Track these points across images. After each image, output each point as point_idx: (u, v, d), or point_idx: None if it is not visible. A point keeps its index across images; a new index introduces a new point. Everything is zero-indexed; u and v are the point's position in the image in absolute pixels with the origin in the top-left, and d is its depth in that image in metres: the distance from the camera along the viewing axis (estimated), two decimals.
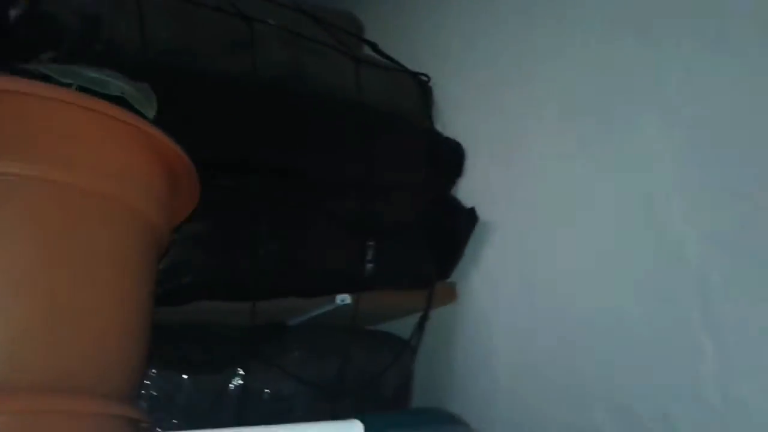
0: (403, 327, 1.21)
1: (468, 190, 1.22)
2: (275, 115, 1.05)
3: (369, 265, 1.07)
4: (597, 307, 0.94)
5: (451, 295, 1.19)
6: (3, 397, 0.53)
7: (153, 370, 0.94)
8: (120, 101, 0.60)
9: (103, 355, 0.58)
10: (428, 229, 1.17)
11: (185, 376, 0.96)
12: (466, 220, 1.16)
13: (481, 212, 1.16)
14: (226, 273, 0.96)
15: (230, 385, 0.98)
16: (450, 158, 1.23)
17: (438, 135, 1.26)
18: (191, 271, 0.93)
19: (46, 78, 0.58)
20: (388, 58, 1.41)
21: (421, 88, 1.30)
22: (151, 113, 0.65)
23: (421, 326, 1.17)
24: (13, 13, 1.19)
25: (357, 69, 1.19)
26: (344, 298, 1.05)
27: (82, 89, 0.58)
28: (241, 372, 0.99)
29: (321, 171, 1.07)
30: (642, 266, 0.88)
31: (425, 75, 1.32)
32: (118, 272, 0.61)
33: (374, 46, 1.46)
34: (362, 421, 1.05)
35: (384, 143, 1.16)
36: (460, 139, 1.24)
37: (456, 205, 1.20)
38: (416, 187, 1.19)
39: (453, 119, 1.28)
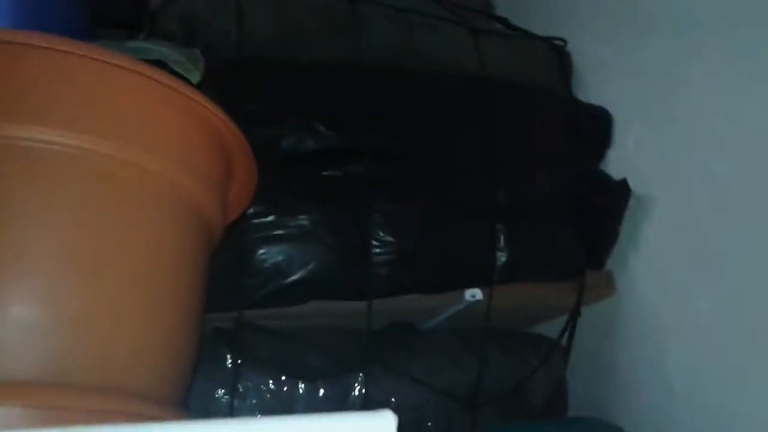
0: (554, 327, 1.05)
1: (619, 162, 1.03)
2: (383, 97, 0.96)
3: (500, 254, 0.92)
4: None
5: (607, 286, 1.00)
6: (53, 392, 0.49)
7: (269, 379, 0.88)
8: (160, 65, 0.54)
9: (155, 356, 0.52)
10: (574, 208, 1.00)
11: (302, 384, 0.88)
12: (618, 194, 0.97)
13: (635, 185, 0.97)
14: (337, 268, 0.87)
15: (351, 394, 0.89)
16: (595, 127, 1.05)
17: (579, 103, 1.09)
18: (299, 267, 0.86)
19: None
20: (520, 31, 1.27)
21: (556, 53, 1.14)
22: (196, 76, 0.58)
23: (572, 324, 1.00)
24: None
25: (476, 41, 1.07)
26: (474, 294, 0.92)
27: None
28: (363, 379, 0.90)
29: (438, 152, 0.96)
30: None
31: (561, 39, 1.16)
32: (174, 266, 0.54)
33: (504, 21, 1.32)
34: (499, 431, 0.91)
35: (513, 117, 1.02)
36: (606, 105, 1.06)
37: (605, 179, 1.02)
38: (557, 162, 1.02)
39: (596, 84, 1.10)
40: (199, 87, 0.57)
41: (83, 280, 0.52)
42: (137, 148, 0.50)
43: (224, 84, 0.89)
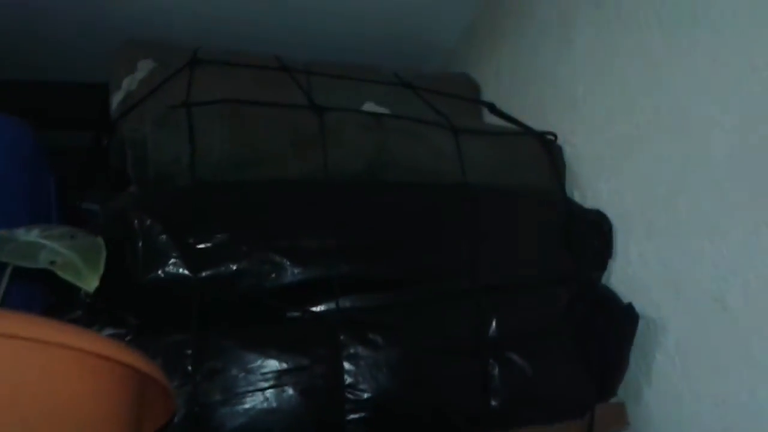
0: None
1: (623, 276, 0.92)
2: (354, 217, 0.86)
3: (493, 396, 0.81)
4: None
5: (619, 419, 0.88)
6: None
7: None
8: (48, 273, 0.44)
9: None
10: (576, 334, 0.89)
11: None
12: (625, 319, 0.86)
13: (643, 305, 0.86)
14: (309, 429, 0.76)
15: None
16: (593, 235, 0.95)
17: (574, 205, 0.99)
18: (270, 431, 0.75)
19: None
20: (507, 118, 1.18)
21: (547, 149, 1.04)
22: (92, 281, 0.48)
23: None
24: (104, 142, 1.16)
25: (458, 142, 0.98)
26: None
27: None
28: None
29: (417, 278, 0.86)
30: None
31: (551, 134, 1.07)
32: None
33: (491, 107, 1.24)
34: None
35: (500, 228, 0.92)
36: (604, 208, 0.96)
37: (610, 299, 0.91)
38: (552, 278, 0.92)
39: (593, 185, 1.00)
40: (98, 289, 0.47)
41: None
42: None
43: (174, 219, 0.80)
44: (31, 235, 0.49)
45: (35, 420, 0.39)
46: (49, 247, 0.47)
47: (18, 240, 0.47)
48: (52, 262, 0.46)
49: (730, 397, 0.73)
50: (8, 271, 0.45)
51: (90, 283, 0.48)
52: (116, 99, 1.10)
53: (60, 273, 0.46)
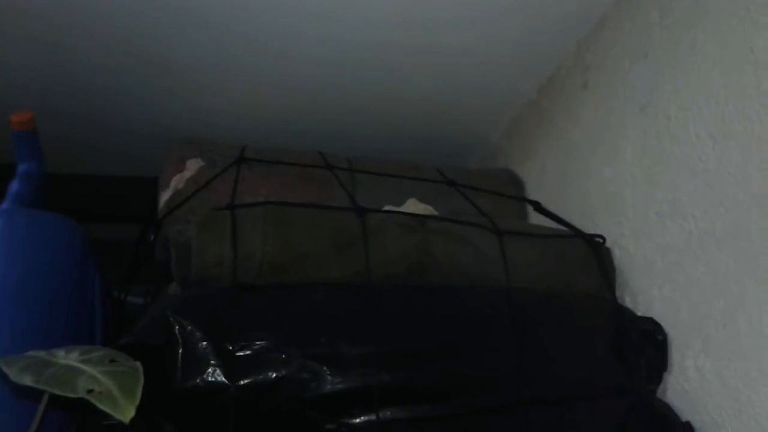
0: None
1: (679, 392, 0.87)
2: (396, 323, 0.84)
3: None
4: None
5: None
6: None
7: None
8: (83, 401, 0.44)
9: None
10: None
11: None
12: None
13: (701, 425, 0.81)
14: None
15: None
16: (646, 345, 0.91)
17: (625, 312, 0.95)
18: None
19: None
20: (553, 217, 1.16)
21: (596, 252, 1.02)
22: (129, 411, 0.47)
23: None
24: (151, 237, 1.18)
25: (502, 244, 0.96)
26: None
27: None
28: None
29: (460, 387, 0.82)
30: None
31: (600, 236, 1.04)
32: None
33: (536, 205, 1.23)
34: None
35: (546, 336, 0.89)
36: (658, 318, 0.92)
37: (666, 415, 0.86)
38: (601, 392, 0.87)
39: (645, 291, 0.96)
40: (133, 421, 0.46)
41: None
42: None
43: (214, 325, 0.80)
44: (71, 357, 0.48)
45: None
46: (88, 373, 0.47)
47: (57, 364, 0.47)
48: (90, 391, 0.46)
49: None
50: (45, 398, 0.45)
51: (126, 414, 0.47)
52: (164, 197, 1.13)
53: (98, 404, 0.46)
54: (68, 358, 0.48)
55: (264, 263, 0.87)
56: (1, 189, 1.00)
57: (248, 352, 0.78)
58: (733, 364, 0.78)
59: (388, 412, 0.79)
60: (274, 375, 0.78)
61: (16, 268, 0.93)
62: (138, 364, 0.55)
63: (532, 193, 1.30)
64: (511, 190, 1.32)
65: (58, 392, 0.45)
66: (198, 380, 0.76)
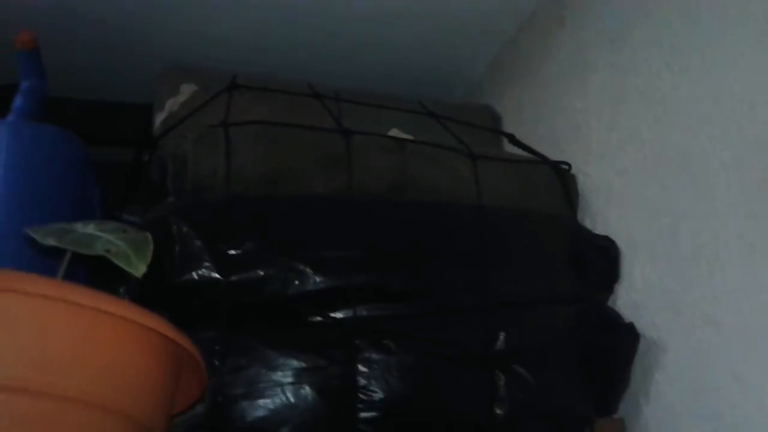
0: None
1: (628, 300, 0.96)
2: (374, 231, 0.93)
3: (499, 405, 0.86)
4: None
5: None
6: None
7: None
8: (102, 259, 0.51)
9: None
10: (581, 352, 0.93)
11: None
12: (626, 338, 0.91)
13: (644, 327, 0.90)
14: (324, 425, 0.81)
15: None
16: (602, 260, 1.00)
17: (584, 231, 1.04)
18: (279, 426, 0.80)
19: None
20: (525, 147, 1.24)
21: (561, 177, 1.10)
22: (141, 268, 0.55)
23: None
24: (145, 157, 1.25)
25: (475, 168, 1.04)
26: None
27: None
28: None
29: (431, 290, 0.91)
30: None
31: (566, 163, 1.12)
32: None
33: (511, 137, 1.30)
34: None
35: (513, 249, 0.98)
36: (613, 235, 1.01)
37: (614, 320, 0.95)
38: (560, 299, 0.97)
39: (603, 212, 1.05)
40: (144, 276, 0.54)
41: None
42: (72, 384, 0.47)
43: (208, 227, 0.87)
44: (88, 228, 0.56)
45: (93, 376, 0.46)
46: (104, 238, 0.54)
47: (77, 231, 0.54)
48: (107, 251, 0.53)
49: (721, 414, 0.77)
50: (68, 255, 0.52)
51: (139, 269, 0.55)
52: (159, 118, 1.19)
53: (114, 259, 0.53)
54: (86, 228, 0.56)
55: (254, 177, 0.95)
56: (6, 107, 1.07)
57: (239, 252, 0.86)
58: (673, 272, 0.87)
59: (364, 309, 0.88)
60: (262, 273, 0.86)
61: (21, 177, 0.99)
62: (147, 233, 0.63)
63: (509, 127, 1.37)
64: (489, 125, 1.39)
65: (79, 250, 0.52)
66: (193, 274, 0.84)
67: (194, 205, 0.91)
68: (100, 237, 0.54)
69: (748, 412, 0.73)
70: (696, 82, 0.87)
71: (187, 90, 1.22)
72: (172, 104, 1.21)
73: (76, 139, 1.07)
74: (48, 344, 0.45)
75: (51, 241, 0.52)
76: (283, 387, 0.81)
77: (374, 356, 0.84)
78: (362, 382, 0.82)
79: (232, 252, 0.86)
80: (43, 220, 1.00)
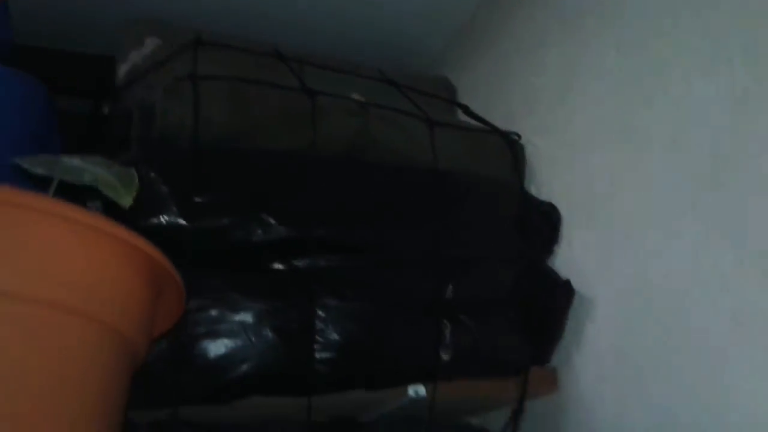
0: (499, 417, 1.05)
1: (566, 260, 1.05)
2: (335, 188, 0.98)
3: (445, 350, 0.93)
4: (725, 396, 0.74)
5: (551, 382, 1.01)
6: None
7: None
8: (91, 189, 0.55)
9: None
10: (521, 305, 1.01)
11: None
12: (563, 294, 0.99)
13: (580, 284, 0.99)
14: (278, 366, 0.87)
15: None
16: (544, 224, 1.08)
17: (530, 197, 1.12)
18: (239, 363, 0.85)
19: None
20: (478, 119, 1.30)
21: (511, 146, 1.17)
22: (128, 200, 0.59)
23: (514, 420, 1.00)
24: (105, 109, 1.26)
25: (432, 133, 1.10)
26: (418, 390, 0.92)
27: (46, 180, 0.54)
28: None
29: (387, 245, 0.97)
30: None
31: (516, 134, 1.20)
32: (99, 391, 0.54)
33: (465, 108, 1.36)
34: None
35: (464, 211, 1.04)
36: (556, 202, 1.09)
37: (552, 278, 1.03)
38: (506, 258, 1.04)
39: (547, 180, 1.13)
40: (132, 207, 0.58)
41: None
42: (61, 291, 0.50)
43: (175, 175, 0.91)
44: (74, 161, 0.59)
45: (82, 289, 0.50)
46: (91, 169, 0.58)
47: (64, 163, 0.57)
48: (96, 180, 0.57)
49: (644, 360, 0.86)
50: (54, 183, 0.55)
51: (126, 200, 0.59)
52: (123, 69, 1.20)
53: (102, 189, 0.57)
54: (72, 161, 0.59)
55: (221, 130, 0.98)
56: None
57: (205, 200, 0.90)
58: (607, 235, 0.96)
59: (323, 260, 0.93)
60: (227, 221, 0.90)
61: None
62: (132, 168, 0.66)
63: (466, 98, 1.43)
64: (444, 96, 1.45)
65: (68, 179, 0.56)
66: (160, 219, 0.87)
67: (161, 153, 0.94)
68: (86, 168, 0.57)
69: (670, 357, 0.82)
70: (640, 64, 0.95)
71: (150, 44, 1.24)
72: (136, 56, 1.22)
73: (40, 83, 1.08)
74: (44, 257, 0.49)
75: (40, 170, 0.55)
76: (244, 327, 0.86)
77: (331, 302, 0.90)
78: (319, 325, 0.88)
79: (198, 200, 0.89)
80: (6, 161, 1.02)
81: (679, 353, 0.81)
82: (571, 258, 1.03)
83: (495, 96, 1.35)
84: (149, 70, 1.17)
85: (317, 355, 0.87)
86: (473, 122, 1.26)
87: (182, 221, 0.88)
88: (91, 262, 0.52)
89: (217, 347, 0.85)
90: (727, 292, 0.75)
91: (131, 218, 0.88)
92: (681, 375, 0.81)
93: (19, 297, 0.48)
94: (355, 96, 1.33)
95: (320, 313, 0.89)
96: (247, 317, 0.86)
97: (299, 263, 0.92)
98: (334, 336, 0.88)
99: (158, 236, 0.89)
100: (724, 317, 0.75)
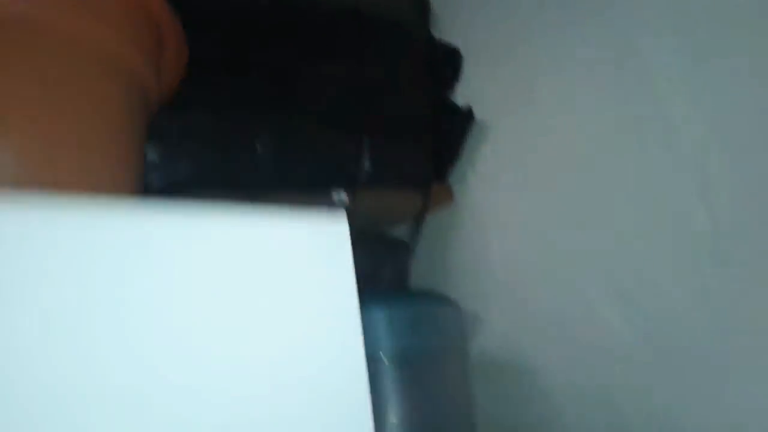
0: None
1: (466, 93, 1.22)
2: (271, 21, 1.07)
3: (366, 162, 1.08)
4: (590, 201, 0.95)
5: (447, 196, 1.21)
6: None
7: None
8: None
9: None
10: (426, 130, 1.18)
11: None
12: (463, 120, 1.17)
13: (477, 110, 1.17)
14: (223, 165, 0.98)
15: None
16: (447, 64, 1.24)
17: (435, 41, 1.27)
18: (189, 161, 0.96)
19: None
20: None
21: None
22: None
23: (417, 225, 1.19)
24: None
25: None
26: (340, 194, 1.07)
27: None
28: None
29: (316, 72, 1.09)
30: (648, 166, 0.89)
31: None
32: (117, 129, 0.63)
33: None
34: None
35: (381, 49, 1.17)
36: (459, 46, 1.25)
37: (453, 107, 1.21)
38: (415, 91, 1.20)
39: (451, 25, 1.28)
40: None
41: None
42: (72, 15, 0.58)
43: None
44: None
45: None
46: None
47: None
48: None
49: (529, 174, 1.07)
50: None
51: None
52: None
53: None
54: None
55: None
56: None
57: None
58: (500, 71, 1.13)
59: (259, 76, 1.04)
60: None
61: None
62: None
63: None
64: None
65: None
66: None
67: None
68: None
69: (554, 173, 1.03)
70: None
71: None
72: None
73: None
74: None
75: None
76: (189, 131, 0.96)
77: (266, 112, 1.01)
78: (262, 135, 1.00)
79: None
80: None
81: (561, 171, 1.02)
82: (469, 90, 1.21)
83: None
84: None
85: (253, 159, 0.99)
86: None
87: None
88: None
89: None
90: None
91: None
92: (563, 181, 1.02)
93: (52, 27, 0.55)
94: None
95: (258, 122, 1.00)
96: (195, 119, 0.96)
97: (239, 80, 1.02)
98: (271, 141, 1.00)
99: None
100: None
